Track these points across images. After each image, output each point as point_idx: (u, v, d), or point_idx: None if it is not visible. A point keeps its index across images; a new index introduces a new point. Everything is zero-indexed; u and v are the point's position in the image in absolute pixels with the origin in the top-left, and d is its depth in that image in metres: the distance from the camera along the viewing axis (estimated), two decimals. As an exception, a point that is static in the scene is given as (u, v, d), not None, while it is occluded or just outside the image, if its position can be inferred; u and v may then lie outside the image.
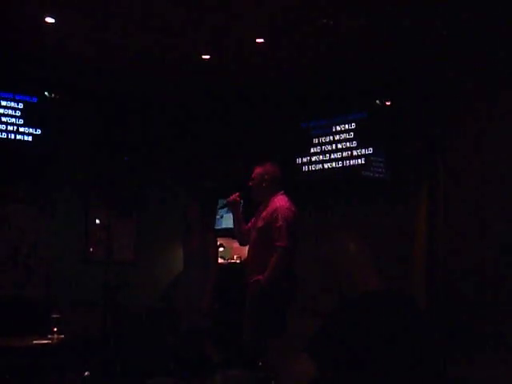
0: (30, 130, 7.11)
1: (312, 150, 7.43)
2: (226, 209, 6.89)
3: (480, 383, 4.78)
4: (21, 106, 7.09)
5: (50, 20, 5.98)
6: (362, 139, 6.96)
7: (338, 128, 7.20)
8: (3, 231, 7.17)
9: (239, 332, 5.43)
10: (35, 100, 7.19)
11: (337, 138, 7.19)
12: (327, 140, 7.30)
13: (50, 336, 5.74)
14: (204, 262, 6.24)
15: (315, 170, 7.39)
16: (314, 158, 7.40)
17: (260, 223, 5.28)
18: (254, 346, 5.08)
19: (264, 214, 5.27)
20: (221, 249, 7.58)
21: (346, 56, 6.60)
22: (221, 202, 6.86)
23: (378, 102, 6.85)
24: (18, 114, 7.06)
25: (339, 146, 7.15)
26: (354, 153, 6.99)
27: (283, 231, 5.07)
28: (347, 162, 7.05)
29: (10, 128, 7.00)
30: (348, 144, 7.07)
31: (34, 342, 5.65)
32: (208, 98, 8.03)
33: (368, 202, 6.94)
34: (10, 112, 7.02)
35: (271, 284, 5.04)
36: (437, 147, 6.33)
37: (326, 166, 7.28)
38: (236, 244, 7.04)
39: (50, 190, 7.51)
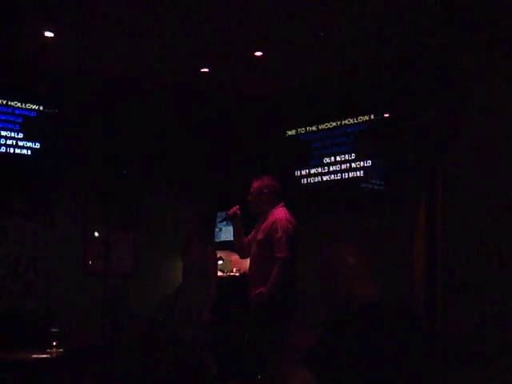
0: (29, 144, 7.12)
1: (311, 163, 7.44)
2: (225, 222, 6.89)
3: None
4: (20, 120, 7.10)
5: (48, 34, 6.01)
6: (360, 151, 6.97)
7: (337, 140, 7.22)
8: (2, 244, 7.16)
9: (239, 345, 5.42)
10: (34, 114, 7.20)
11: (335, 150, 7.21)
12: (326, 152, 7.31)
13: (49, 350, 5.72)
14: (203, 275, 6.23)
15: (314, 182, 7.40)
16: (312, 171, 7.41)
17: (260, 236, 5.28)
18: (255, 358, 5.07)
19: (264, 226, 5.29)
20: (220, 262, 7.57)
21: (345, 69, 6.62)
22: (220, 215, 6.86)
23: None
24: (17, 128, 7.07)
25: (338, 158, 7.17)
26: (353, 165, 7.01)
27: (283, 242, 5.08)
28: (346, 174, 7.07)
29: (9, 142, 7.01)
30: (347, 156, 7.08)
31: (33, 355, 5.62)
32: (207, 111, 8.05)
33: (367, 214, 6.94)
34: (9, 126, 7.02)
35: (273, 295, 5.04)
36: (435, 159, 6.34)
37: (324, 178, 7.29)
38: (235, 257, 7.03)
39: (49, 203, 7.51)
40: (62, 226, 7.55)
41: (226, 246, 7.49)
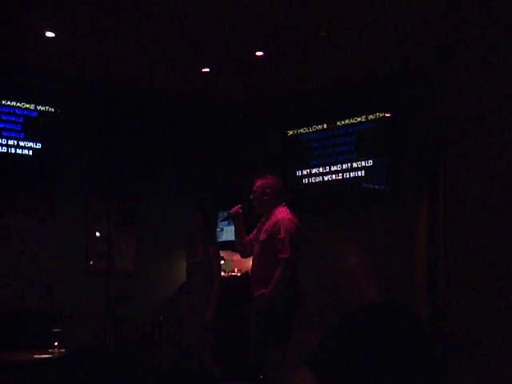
0: (31, 144, 7.12)
1: (312, 162, 7.44)
2: (226, 221, 6.89)
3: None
4: (21, 120, 7.10)
5: (50, 34, 6.01)
6: (362, 151, 6.97)
7: (338, 140, 7.21)
8: (4, 243, 7.16)
9: (241, 345, 5.42)
10: (35, 114, 7.19)
11: (337, 150, 7.21)
12: (327, 152, 7.31)
13: (51, 350, 5.72)
14: (207, 275, 6.23)
15: (315, 182, 7.40)
16: (314, 171, 7.41)
17: (263, 236, 5.27)
18: (258, 359, 5.07)
19: (266, 226, 5.28)
20: (222, 262, 7.57)
21: (347, 68, 6.62)
22: (222, 214, 6.86)
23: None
24: (19, 128, 7.07)
25: (339, 157, 7.16)
26: (354, 165, 7.00)
27: (286, 243, 5.07)
28: (347, 173, 7.06)
29: (10, 142, 7.00)
30: (348, 156, 7.08)
31: (35, 356, 5.62)
32: (208, 110, 8.05)
33: (368, 213, 6.94)
34: (10, 126, 7.02)
35: (276, 296, 5.04)
36: (437, 158, 6.33)
37: (326, 178, 7.29)
38: (237, 257, 7.03)
39: (51, 202, 7.50)
40: (64, 224, 7.53)
41: (227, 245, 7.49)
